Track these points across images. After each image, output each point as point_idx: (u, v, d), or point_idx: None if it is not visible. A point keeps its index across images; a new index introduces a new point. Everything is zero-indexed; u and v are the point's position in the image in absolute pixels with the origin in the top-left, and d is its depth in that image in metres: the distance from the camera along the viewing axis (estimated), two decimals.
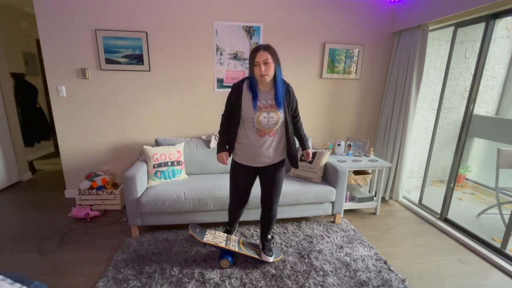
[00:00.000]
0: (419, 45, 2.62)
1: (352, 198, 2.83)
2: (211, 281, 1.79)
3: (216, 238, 1.97)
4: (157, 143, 2.71)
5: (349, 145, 3.00)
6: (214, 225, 2.48)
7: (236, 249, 1.90)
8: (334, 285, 1.78)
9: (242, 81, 1.71)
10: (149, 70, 2.76)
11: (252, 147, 1.74)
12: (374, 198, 2.86)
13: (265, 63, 1.56)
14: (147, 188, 2.32)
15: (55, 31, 2.55)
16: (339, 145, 3.03)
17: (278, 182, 1.83)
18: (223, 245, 1.89)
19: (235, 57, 2.86)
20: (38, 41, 4.31)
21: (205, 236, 1.93)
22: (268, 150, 1.74)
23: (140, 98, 2.83)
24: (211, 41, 2.79)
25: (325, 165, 2.62)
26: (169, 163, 2.49)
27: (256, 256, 1.93)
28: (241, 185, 1.88)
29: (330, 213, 2.55)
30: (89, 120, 2.82)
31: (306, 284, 1.78)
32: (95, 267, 1.92)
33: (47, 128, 4.33)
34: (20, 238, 2.24)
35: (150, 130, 2.94)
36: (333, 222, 2.61)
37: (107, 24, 2.60)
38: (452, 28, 2.58)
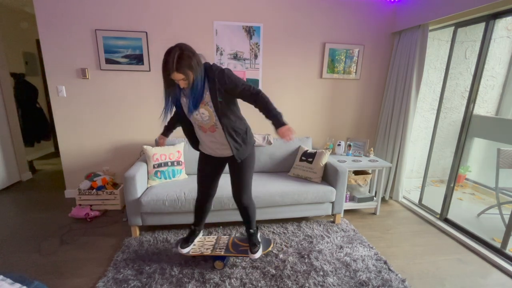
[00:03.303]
0: (419, 45, 2.62)
1: (352, 198, 2.83)
2: (211, 281, 1.79)
3: (204, 245, 2.00)
4: (157, 143, 2.71)
5: (349, 145, 3.00)
6: (214, 225, 2.48)
7: (222, 253, 1.90)
8: (334, 285, 1.78)
9: None
10: (149, 70, 2.76)
11: (203, 141, 1.74)
12: (374, 198, 2.85)
13: (183, 80, 1.43)
14: (147, 188, 2.32)
15: (55, 31, 2.55)
16: (339, 145, 3.03)
17: (238, 173, 1.76)
18: (208, 252, 1.91)
19: (235, 57, 2.86)
20: (38, 41, 4.31)
21: (193, 247, 1.96)
22: (216, 144, 1.70)
23: (140, 98, 2.83)
24: (211, 41, 2.79)
25: (325, 165, 2.62)
26: (169, 163, 2.49)
27: (244, 255, 1.91)
28: (204, 173, 1.83)
29: (330, 213, 2.55)
30: (89, 120, 2.82)
31: (306, 284, 1.78)
32: (95, 267, 1.92)
33: (47, 128, 4.33)
34: (20, 238, 2.24)
35: (150, 130, 2.94)
36: (333, 222, 2.61)
37: (107, 24, 2.60)
38: (452, 28, 2.58)
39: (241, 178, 1.77)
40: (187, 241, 1.95)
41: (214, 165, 1.82)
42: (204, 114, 1.57)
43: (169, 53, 1.37)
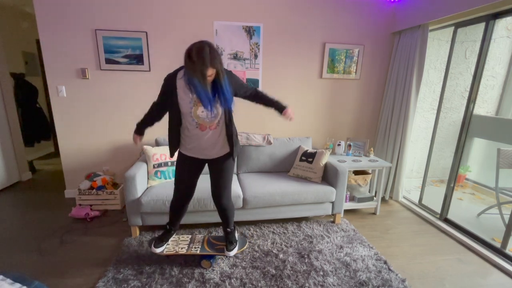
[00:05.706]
0: (419, 45, 2.62)
1: (352, 198, 2.83)
2: (211, 281, 1.79)
3: (178, 244, 1.99)
4: (157, 143, 2.71)
5: (349, 145, 3.00)
6: (214, 225, 2.48)
7: (198, 252, 1.91)
8: (334, 285, 1.78)
9: (176, 72, 1.59)
10: (149, 70, 2.76)
11: (194, 141, 1.69)
12: (374, 198, 2.85)
13: (210, 76, 1.47)
14: (147, 188, 2.32)
15: (55, 31, 2.55)
16: (339, 145, 3.03)
17: (223, 174, 1.77)
18: (184, 251, 1.91)
19: (235, 57, 2.86)
20: (38, 41, 4.31)
21: (167, 246, 1.95)
22: (211, 143, 1.69)
23: (140, 98, 2.83)
24: (211, 41, 2.78)
25: (325, 165, 2.62)
26: (169, 163, 2.49)
27: (219, 253, 1.91)
28: (185, 177, 1.81)
29: (330, 213, 2.55)
30: (89, 120, 2.81)
31: (306, 284, 1.78)
32: (95, 267, 1.92)
33: (47, 128, 4.33)
34: (20, 238, 2.24)
35: (150, 130, 2.92)
36: (333, 222, 2.61)
37: (107, 24, 2.60)
38: (452, 28, 2.58)
39: (223, 179, 1.79)
40: (161, 240, 1.93)
41: (195, 166, 1.81)
42: (213, 111, 1.59)
43: (202, 48, 1.38)
